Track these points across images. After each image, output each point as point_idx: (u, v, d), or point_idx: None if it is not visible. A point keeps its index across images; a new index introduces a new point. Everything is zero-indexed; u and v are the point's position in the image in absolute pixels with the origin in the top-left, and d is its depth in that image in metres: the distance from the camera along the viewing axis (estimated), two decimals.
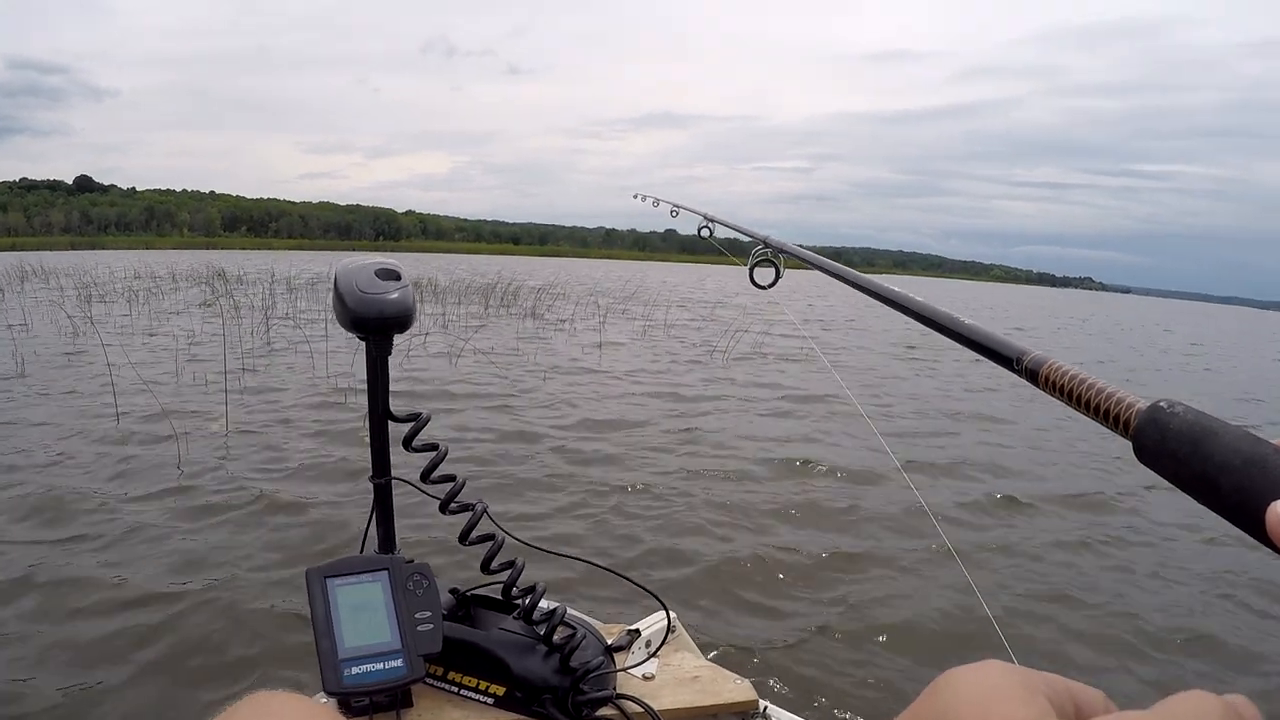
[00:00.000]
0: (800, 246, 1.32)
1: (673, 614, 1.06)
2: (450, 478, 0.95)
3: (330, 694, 0.89)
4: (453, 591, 1.06)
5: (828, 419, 6.59)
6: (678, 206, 2.59)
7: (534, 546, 1.02)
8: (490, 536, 0.96)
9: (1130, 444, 0.35)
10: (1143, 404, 0.35)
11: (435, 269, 28.22)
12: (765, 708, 0.98)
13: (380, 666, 0.89)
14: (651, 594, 1.04)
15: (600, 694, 0.94)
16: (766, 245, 1.34)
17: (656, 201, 2.85)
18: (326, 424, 5.46)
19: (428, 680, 0.97)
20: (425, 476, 0.94)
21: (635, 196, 3.07)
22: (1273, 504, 0.26)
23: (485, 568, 0.96)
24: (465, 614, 1.04)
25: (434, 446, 0.94)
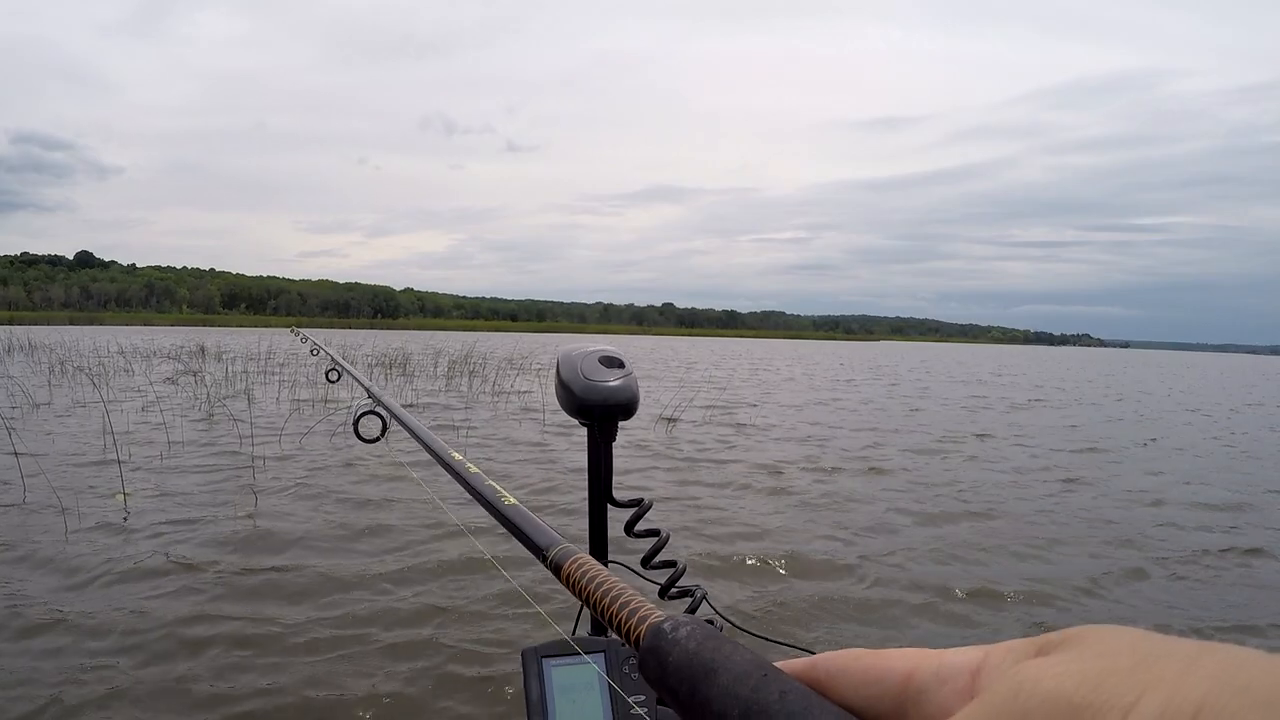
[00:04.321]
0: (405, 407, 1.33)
1: None
2: (671, 563, 0.94)
3: None
4: None
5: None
6: (318, 346, 3.46)
7: (755, 635, 1.00)
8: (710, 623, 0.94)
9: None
10: (654, 619, 0.31)
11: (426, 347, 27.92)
12: None
13: None
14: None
15: None
16: (369, 395, 1.31)
17: (305, 339, 4.08)
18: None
19: None
20: (646, 562, 0.93)
21: (292, 331, 4.55)
22: None
23: None
24: None
25: (655, 532, 0.94)
